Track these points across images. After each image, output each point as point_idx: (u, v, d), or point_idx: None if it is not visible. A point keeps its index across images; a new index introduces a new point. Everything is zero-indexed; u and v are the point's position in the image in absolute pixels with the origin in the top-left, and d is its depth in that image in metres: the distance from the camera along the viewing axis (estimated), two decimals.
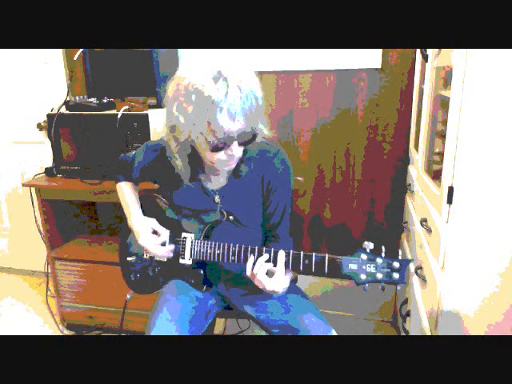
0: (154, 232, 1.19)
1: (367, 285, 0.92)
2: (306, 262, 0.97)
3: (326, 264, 0.94)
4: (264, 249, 1.03)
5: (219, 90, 0.90)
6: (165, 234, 1.19)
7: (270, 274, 1.01)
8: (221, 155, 1.00)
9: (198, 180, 1.15)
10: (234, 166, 1.08)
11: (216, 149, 0.98)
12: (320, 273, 0.96)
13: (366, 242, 0.92)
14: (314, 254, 0.97)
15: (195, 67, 0.96)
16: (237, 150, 1.00)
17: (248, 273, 1.03)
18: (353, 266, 0.92)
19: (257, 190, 1.15)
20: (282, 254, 1.00)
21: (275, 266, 1.00)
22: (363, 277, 0.91)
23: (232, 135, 0.96)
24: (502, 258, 0.96)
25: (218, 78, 0.91)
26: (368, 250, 0.91)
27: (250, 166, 1.12)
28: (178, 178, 1.12)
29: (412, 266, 1.37)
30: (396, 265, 0.89)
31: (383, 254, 0.91)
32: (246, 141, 1.01)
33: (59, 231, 2.02)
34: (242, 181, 1.13)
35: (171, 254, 1.19)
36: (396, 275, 0.89)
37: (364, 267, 0.91)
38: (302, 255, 0.97)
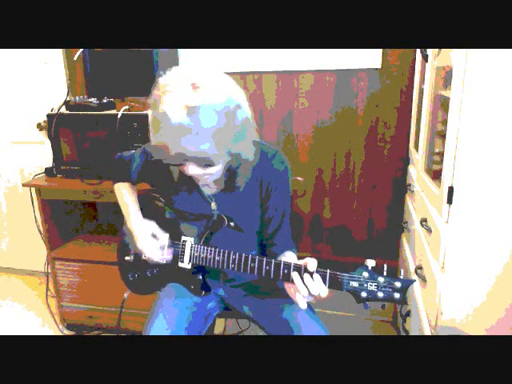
0: (154, 235, 1.17)
1: (368, 302, 0.91)
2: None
3: (328, 280, 0.93)
4: (283, 262, 0.98)
5: (162, 106, 0.85)
6: (164, 237, 1.17)
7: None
8: (182, 169, 0.98)
9: (196, 184, 1.12)
10: (204, 182, 1.05)
11: (170, 163, 0.98)
12: None
13: (367, 260, 0.91)
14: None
15: (169, 75, 0.91)
16: (194, 170, 0.96)
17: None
18: (354, 284, 0.90)
19: (255, 193, 1.12)
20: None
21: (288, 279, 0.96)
22: (364, 295, 0.90)
23: (180, 154, 0.89)
24: (501, 258, 0.96)
25: (163, 92, 0.86)
26: (370, 268, 0.90)
27: (247, 175, 1.07)
28: (175, 182, 1.11)
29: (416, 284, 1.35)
30: (397, 284, 0.88)
31: (385, 273, 0.90)
32: (206, 164, 0.94)
33: (59, 231, 2.02)
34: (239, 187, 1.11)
35: (170, 258, 1.17)
36: (397, 295, 0.88)
37: (365, 285, 0.90)
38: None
